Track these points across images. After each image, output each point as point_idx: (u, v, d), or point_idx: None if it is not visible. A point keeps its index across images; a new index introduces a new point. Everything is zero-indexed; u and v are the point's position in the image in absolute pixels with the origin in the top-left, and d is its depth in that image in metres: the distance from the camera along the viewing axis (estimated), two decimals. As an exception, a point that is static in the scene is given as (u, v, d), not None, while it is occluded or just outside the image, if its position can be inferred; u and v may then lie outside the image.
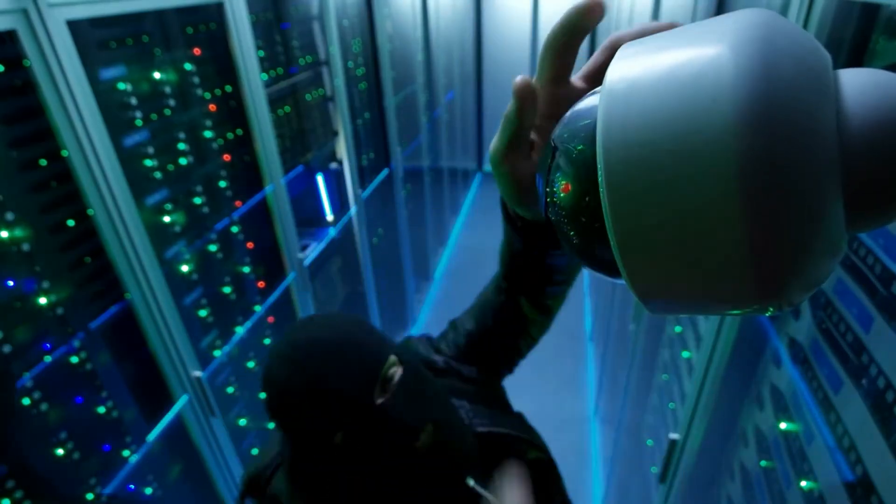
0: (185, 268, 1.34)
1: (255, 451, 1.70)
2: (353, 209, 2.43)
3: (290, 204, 1.73)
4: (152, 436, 1.25)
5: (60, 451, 1.00)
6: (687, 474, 1.08)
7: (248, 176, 1.61)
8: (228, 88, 1.48)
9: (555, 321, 0.73)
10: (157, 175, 1.24)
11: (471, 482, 0.64)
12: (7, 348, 0.89)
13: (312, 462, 0.62)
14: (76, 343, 1.04)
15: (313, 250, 2.10)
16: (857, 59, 0.67)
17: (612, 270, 0.33)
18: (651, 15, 1.81)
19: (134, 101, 1.16)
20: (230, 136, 1.52)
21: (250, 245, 1.65)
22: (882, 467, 0.56)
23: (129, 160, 1.12)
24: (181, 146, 1.33)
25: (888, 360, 0.57)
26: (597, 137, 0.28)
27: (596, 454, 2.56)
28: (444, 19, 3.92)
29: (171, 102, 1.28)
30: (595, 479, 2.45)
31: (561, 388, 2.90)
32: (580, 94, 0.41)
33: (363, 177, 2.54)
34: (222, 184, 1.50)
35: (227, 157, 1.51)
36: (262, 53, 1.72)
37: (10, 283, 0.90)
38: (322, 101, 2.16)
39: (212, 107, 1.44)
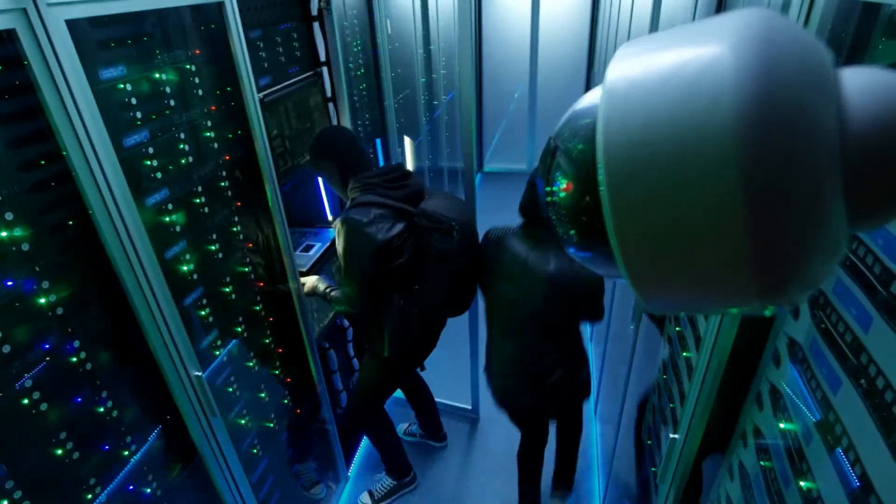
0: (185, 268, 1.34)
1: (255, 451, 1.70)
2: (353, 209, 2.42)
3: (291, 204, 1.73)
4: (152, 436, 1.25)
5: (60, 451, 1.00)
6: (687, 474, 1.08)
7: (249, 176, 1.61)
8: (228, 88, 1.48)
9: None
10: (158, 175, 1.24)
11: None
12: (7, 348, 0.89)
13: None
14: (76, 343, 1.03)
15: (314, 251, 2.10)
16: (857, 59, 0.67)
17: (612, 269, 0.33)
18: (651, 15, 1.80)
19: (134, 101, 1.16)
20: (230, 136, 1.52)
21: (250, 245, 1.64)
22: (881, 467, 0.56)
23: (129, 160, 1.12)
24: (181, 146, 1.32)
25: (887, 360, 0.57)
26: (597, 137, 0.28)
27: (596, 454, 2.56)
28: (445, 20, 3.92)
29: (172, 102, 1.28)
30: (595, 478, 2.45)
31: (561, 389, 2.89)
32: None
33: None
34: (222, 184, 1.50)
35: (227, 157, 1.50)
36: (262, 53, 1.72)
37: (10, 283, 0.90)
38: (322, 102, 2.16)
39: (212, 107, 1.44)
